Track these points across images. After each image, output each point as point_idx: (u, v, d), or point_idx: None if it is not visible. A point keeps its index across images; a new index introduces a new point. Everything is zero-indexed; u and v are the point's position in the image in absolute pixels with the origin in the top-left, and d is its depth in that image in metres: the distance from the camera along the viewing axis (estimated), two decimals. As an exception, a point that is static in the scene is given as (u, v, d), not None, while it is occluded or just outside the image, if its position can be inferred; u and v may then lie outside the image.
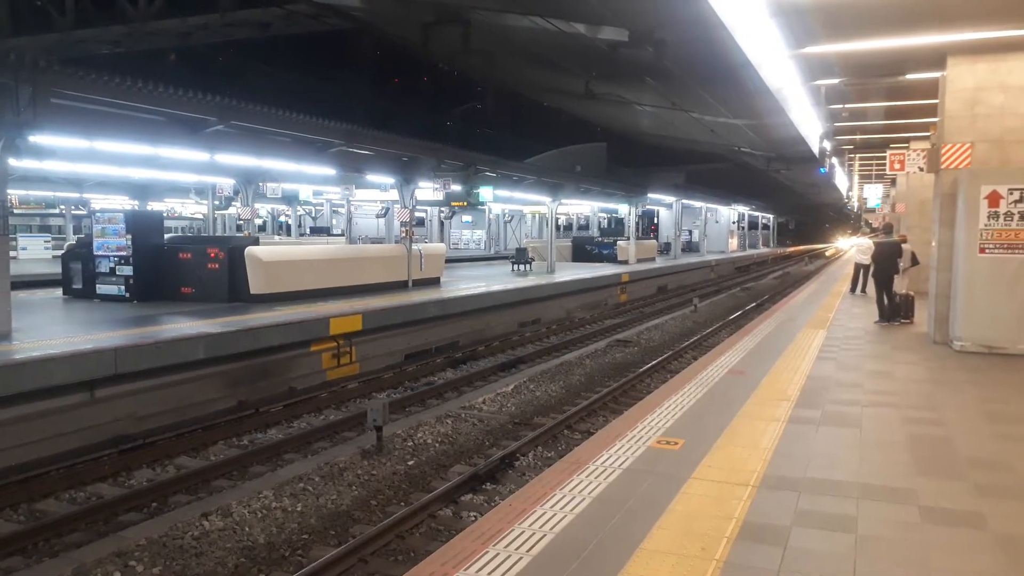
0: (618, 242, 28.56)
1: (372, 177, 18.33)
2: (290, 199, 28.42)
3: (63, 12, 13.16)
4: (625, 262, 27.48)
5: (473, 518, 6.20)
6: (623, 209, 30.53)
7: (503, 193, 22.50)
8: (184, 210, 36.98)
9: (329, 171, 17.46)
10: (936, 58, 10.08)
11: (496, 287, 16.52)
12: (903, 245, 13.07)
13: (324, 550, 5.60)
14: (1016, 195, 9.17)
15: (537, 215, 39.10)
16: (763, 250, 53.07)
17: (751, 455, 5.21)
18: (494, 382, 11.55)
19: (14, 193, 22.78)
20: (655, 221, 39.66)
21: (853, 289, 17.70)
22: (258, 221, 27.47)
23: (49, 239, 33.32)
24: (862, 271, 17.30)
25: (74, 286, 13.10)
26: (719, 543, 3.80)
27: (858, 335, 11.08)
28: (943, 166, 10.03)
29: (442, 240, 35.10)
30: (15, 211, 27.31)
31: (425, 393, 10.59)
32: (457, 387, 11.18)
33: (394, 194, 18.65)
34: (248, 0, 13.12)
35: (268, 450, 8.03)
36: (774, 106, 15.06)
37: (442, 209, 33.00)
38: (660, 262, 30.12)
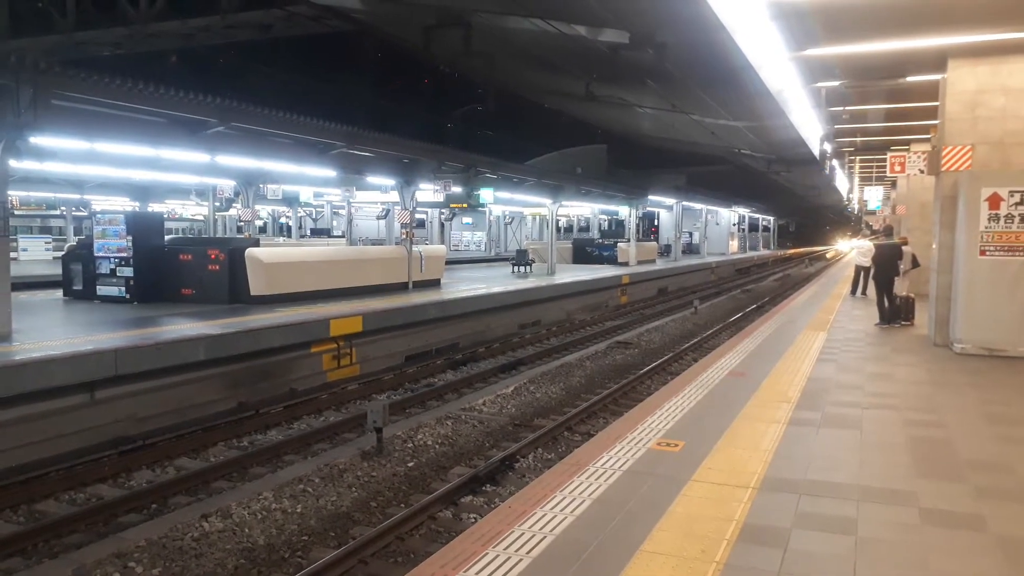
0: (618, 244, 28.57)
1: (373, 179, 18.35)
2: (291, 201, 28.48)
3: (64, 14, 13.17)
4: (625, 264, 27.48)
5: (473, 520, 6.19)
6: (623, 211, 30.54)
7: (504, 195, 22.51)
8: (185, 212, 37.02)
9: (330, 173, 17.49)
10: (937, 60, 10.08)
11: (496, 289, 16.52)
12: (903, 247, 13.07)
13: (324, 551, 5.59)
14: (1017, 197, 9.17)
15: (537, 217, 39.12)
16: (763, 252, 53.07)
17: (751, 457, 5.21)
18: (494, 384, 11.54)
19: (15, 194, 22.78)
20: (655, 223, 39.64)
21: (854, 291, 17.69)
22: (259, 223, 27.50)
23: (50, 240, 33.39)
24: (862, 273, 17.29)
25: (74, 287, 13.11)
26: (719, 545, 3.80)
27: (858, 337, 11.07)
28: (944, 168, 10.03)
29: (442, 242, 35.09)
30: (16, 212, 27.31)
31: (425, 395, 10.59)
32: (457, 389, 11.18)
33: (394, 196, 18.66)
34: (249, 2, 13.11)
35: (268, 451, 8.03)
36: (774, 108, 15.06)
37: (442, 211, 33.01)
38: (660, 264, 30.13)
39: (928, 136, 15.72)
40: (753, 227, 55.96)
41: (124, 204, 26.56)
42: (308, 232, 36.34)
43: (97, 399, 8.01)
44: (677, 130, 24.37)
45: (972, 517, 4.25)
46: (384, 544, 5.70)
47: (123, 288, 12.45)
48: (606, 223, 38.47)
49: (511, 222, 42.51)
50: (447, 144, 20.29)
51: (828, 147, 20.45)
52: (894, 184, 26.48)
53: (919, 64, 10.41)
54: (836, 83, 12.01)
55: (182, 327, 9.96)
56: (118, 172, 18.42)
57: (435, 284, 17.16)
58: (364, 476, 7.18)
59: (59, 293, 13.55)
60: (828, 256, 62.62)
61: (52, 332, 9.31)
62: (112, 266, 12.53)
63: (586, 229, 44.29)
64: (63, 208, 30.38)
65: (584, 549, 3.74)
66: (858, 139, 20.57)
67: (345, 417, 9.34)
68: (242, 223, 18.11)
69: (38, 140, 9.28)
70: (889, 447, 5.56)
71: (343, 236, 31.14)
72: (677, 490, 4.56)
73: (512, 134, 33.06)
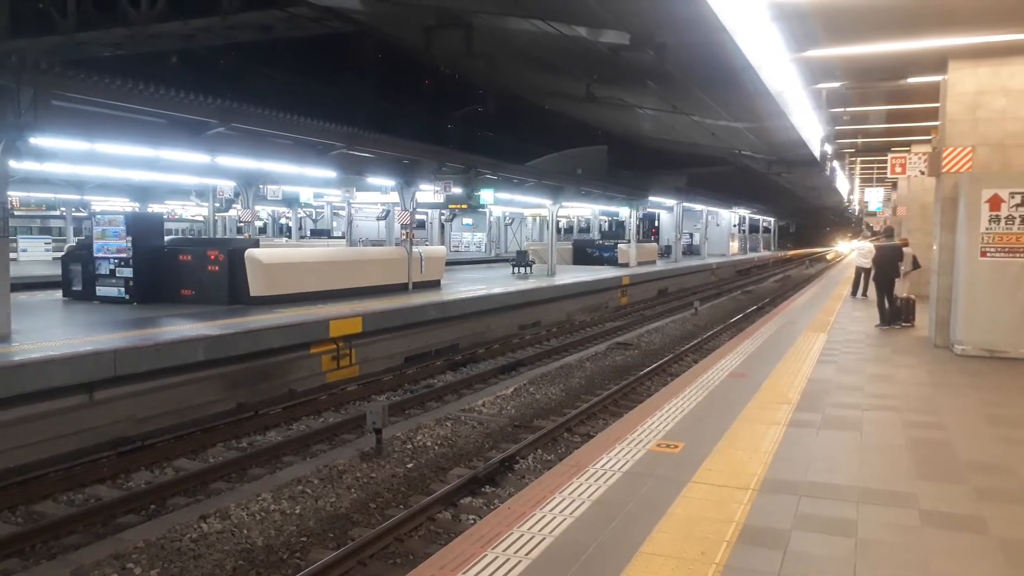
0: (619, 245, 28.56)
1: (373, 180, 18.35)
2: (291, 201, 28.47)
3: (65, 14, 13.16)
4: (626, 265, 27.48)
5: (472, 521, 6.18)
6: (624, 212, 30.54)
7: (504, 196, 22.50)
8: (185, 212, 37.01)
9: (330, 174, 17.49)
10: (938, 62, 10.08)
11: (496, 290, 16.52)
12: (904, 249, 13.07)
13: (322, 553, 5.58)
14: (1017, 199, 9.16)
15: (538, 218, 39.10)
16: (764, 253, 53.07)
17: (751, 458, 5.19)
18: (494, 385, 11.53)
19: (15, 195, 22.79)
20: (656, 224, 39.65)
21: (854, 293, 17.69)
22: (258, 223, 27.48)
23: (49, 241, 33.37)
24: (863, 275, 17.28)
25: (74, 288, 13.11)
26: (719, 547, 3.79)
27: (859, 339, 11.06)
28: (944, 170, 10.03)
29: (442, 243, 35.09)
30: (15, 213, 27.32)
31: (425, 396, 10.58)
32: (457, 390, 11.17)
33: (395, 196, 18.65)
34: (250, 3, 13.11)
35: (267, 452, 8.02)
36: (775, 109, 15.05)
37: (443, 212, 33.00)
38: (661, 265, 30.13)
39: (929, 137, 15.73)
40: (753, 228, 55.96)
41: (124, 205, 26.56)
42: (308, 233, 36.33)
43: (96, 400, 8.00)
44: (677, 131, 24.36)
45: (972, 519, 4.24)
46: (383, 545, 5.69)
47: (122, 289, 12.44)
48: (606, 224, 38.47)
49: (511, 223, 42.48)
50: (447, 145, 20.30)
51: (829, 148, 20.46)
52: (895, 185, 26.47)
53: (920, 65, 10.40)
54: (837, 84, 12.00)
55: (181, 328, 9.95)
56: (118, 173, 18.42)
57: (435, 285, 17.16)
58: (363, 477, 7.16)
59: (59, 294, 13.54)
60: (829, 258, 62.61)
61: (51, 333, 9.31)
62: (112, 267, 12.52)
63: (586, 230, 44.29)
64: (63, 209, 30.36)
65: (583, 551, 3.73)
66: (859, 140, 20.56)
67: (344, 418, 9.33)
68: (242, 224, 18.11)
69: (38, 140, 9.26)
70: (889, 449, 5.55)
71: (343, 237, 31.13)
72: (677, 491, 4.55)
73: (512, 135, 33.07)
